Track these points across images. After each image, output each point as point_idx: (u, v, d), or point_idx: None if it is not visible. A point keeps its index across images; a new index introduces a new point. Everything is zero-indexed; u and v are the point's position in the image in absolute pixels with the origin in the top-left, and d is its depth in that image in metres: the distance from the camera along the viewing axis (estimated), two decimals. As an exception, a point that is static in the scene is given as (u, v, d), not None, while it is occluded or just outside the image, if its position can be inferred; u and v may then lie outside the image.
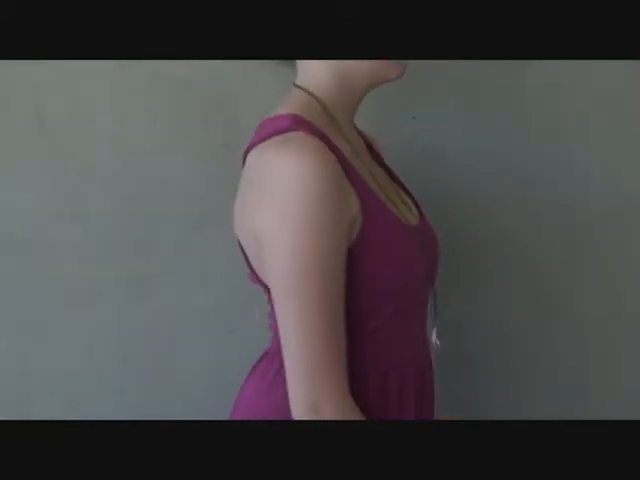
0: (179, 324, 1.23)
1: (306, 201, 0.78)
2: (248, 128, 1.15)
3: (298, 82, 0.93)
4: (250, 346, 1.21)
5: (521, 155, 1.26)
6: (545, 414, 1.31)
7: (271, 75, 1.13)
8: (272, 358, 0.93)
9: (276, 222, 0.80)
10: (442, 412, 1.04)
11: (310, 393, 0.79)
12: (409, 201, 1.01)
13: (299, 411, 0.80)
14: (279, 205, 0.79)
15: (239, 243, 0.95)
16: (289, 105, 0.89)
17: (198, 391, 1.25)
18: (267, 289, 0.90)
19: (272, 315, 0.94)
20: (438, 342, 1.00)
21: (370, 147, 1.03)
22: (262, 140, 0.85)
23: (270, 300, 0.92)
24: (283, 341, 0.81)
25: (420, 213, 1.00)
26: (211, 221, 1.21)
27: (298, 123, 0.84)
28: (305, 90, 0.91)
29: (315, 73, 0.91)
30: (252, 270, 0.93)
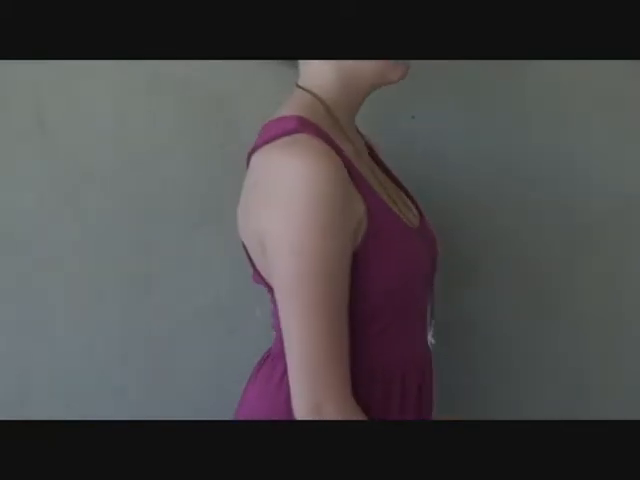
0: (179, 324, 1.23)
1: (311, 203, 0.78)
2: (248, 128, 1.15)
3: (300, 83, 0.93)
4: (250, 346, 1.21)
5: (521, 155, 1.26)
6: (545, 414, 1.31)
7: (271, 75, 1.13)
8: (277, 359, 0.92)
9: (281, 224, 0.79)
10: (442, 412, 1.04)
11: (312, 395, 0.79)
12: (409, 202, 1.01)
13: (301, 412, 0.80)
14: (284, 207, 0.79)
15: (243, 244, 0.95)
16: (293, 107, 0.89)
17: (198, 391, 1.25)
18: (271, 289, 0.91)
19: (276, 315, 0.94)
20: (433, 341, 1.01)
21: (370, 148, 1.03)
22: (267, 142, 0.85)
23: (273, 300, 0.92)
24: (286, 342, 0.82)
25: (420, 214, 1.00)
26: (211, 221, 1.21)
27: (303, 125, 0.84)
28: (309, 91, 0.91)
29: (318, 74, 0.91)
30: (256, 270, 0.93)
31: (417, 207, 1.02)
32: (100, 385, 1.23)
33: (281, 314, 0.82)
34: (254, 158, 0.88)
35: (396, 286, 0.87)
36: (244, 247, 0.95)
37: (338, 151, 0.83)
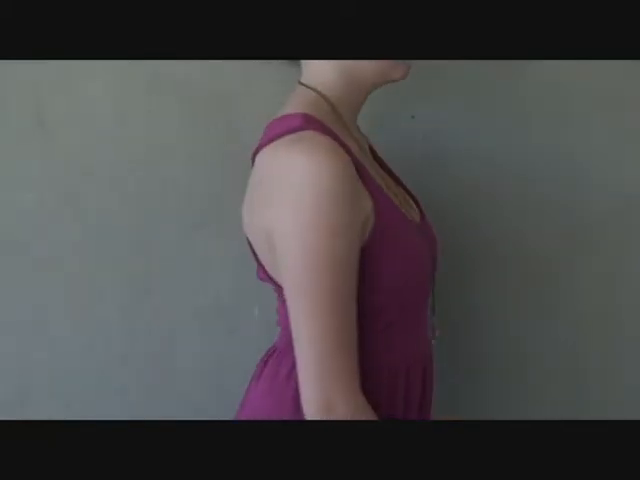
0: (179, 324, 1.23)
1: (320, 199, 0.78)
2: (248, 128, 1.16)
3: (303, 80, 0.93)
4: (250, 346, 1.21)
5: (521, 155, 1.26)
6: (544, 414, 1.31)
7: (272, 75, 1.13)
8: (282, 356, 0.92)
9: (290, 221, 0.79)
10: (442, 412, 1.04)
11: (323, 391, 0.79)
12: (410, 200, 1.01)
13: (312, 409, 0.80)
14: (293, 204, 0.79)
15: (248, 241, 0.95)
16: (297, 104, 0.89)
17: (198, 391, 1.25)
18: (277, 286, 0.91)
19: (281, 312, 0.94)
20: (434, 340, 1.01)
21: (370, 147, 1.03)
22: (272, 140, 0.85)
23: (280, 297, 0.92)
24: (296, 338, 0.81)
25: (420, 212, 1.01)
26: (211, 221, 1.21)
27: (309, 122, 0.84)
28: (312, 89, 0.91)
29: (321, 71, 0.91)
30: (261, 267, 0.93)
31: (418, 205, 1.02)
32: (100, 385, 1.23)
33: (290, 310, 0.82)
34: (259, 156, 0.88)
35: (401, 282, 0.88)
36: (249, 244, 0.95)
37: (344, 148, 0.83)
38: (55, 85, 1.15)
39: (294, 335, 0.82)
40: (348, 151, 0.83)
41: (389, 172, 1.04)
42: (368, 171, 0.87)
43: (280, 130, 0.85)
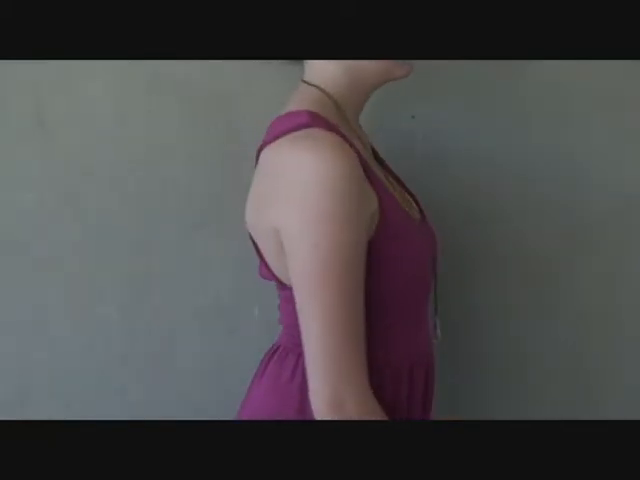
0: (179, 324, 1.23)
1: (329, 196, 0.78)
2: (248, 128, 1.16)
3: (306, 78, 0.93)
4: (250, 346, 1.21)
5: (521, 155, 1.26)
6: (545, 414, 1.31)
7: (272, 75, 1.13)
8: (285, 354, 0.92)
9: (298, 217, 0.79)
10: (442, 412, 1.04)
11: (334, 388, 0.79)
12: (411, 200, 1.01)
13: (322, 406, 0.79)
14: (300, 201, 0.79)
15: (251, 238, 0.95)
16: (301, 102, 0.89)
17: (198, 391, 1.25)
18: (279, 283, 0.91)
19: (283, 310, 0.94)
20: (438, 335, 1.01)
21: (372, 147, 1.03)
22: (277, 137, 0.85)
23: (282, 294, 0.92)
24: (305, 335, 0.81)
25: (421, 212, 1.01)
26: (211, 221, 1.21)
27: (315, 119, 0.84)
28: (316, 87, 0.91)
29: (325, 69, 0.91)
30: (264, 265, 0.92)
31: (418, 205, 1.02)
32: (100, 385, 1.23)
33: (299, 307, 0.82)
34: (264, 153, 0.88)
35: (404, 281, 0.88)
36: (252, 241, 0.94)
37: (350, 145, 0.83)
38: (55, 85, 1.15)
39: (303, 332, 0.81)
40: (354, 148, 0.83)
41: (389, 172, 1.04)
42: (373, 169, 0.87)
43: (285, 127, 0.85)
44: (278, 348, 0.95)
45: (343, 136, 0.84)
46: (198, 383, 1.25)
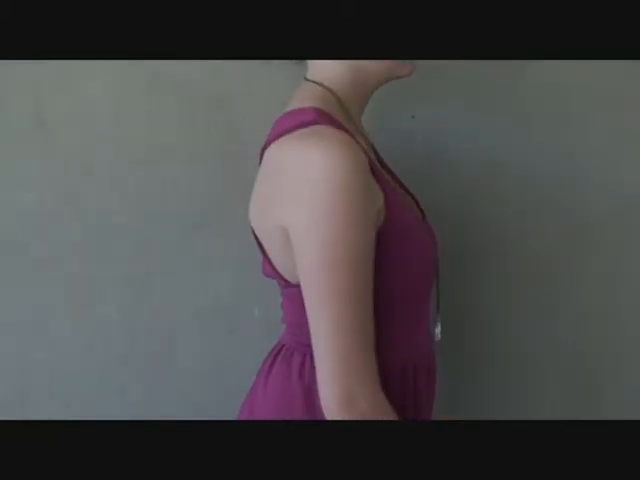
0: (179, 324, 1.23)
1: (337, 192, 0.78)
2: (248, 128, 1.16)
3: (309, 76, 0.93)
4: (250, 346, 1.22)
5: (521, 155, 1.26)
6: (545, 414, 1.31)
7: (271, 75, 1.14)
8: (290, 354, 0.92)
9: (307, 214, 0.79)
10: (442, 412, 1.04)
11: (344, 386, 0.78)
12: (411, 200, 1.01)
13: (333, 405, 0.79)
14: (310, 197, 0.79)
15: (255, 236, 0.94)
16: (305, 99, 0.89)
17: (198, 391, 1.25)
18: (284, 281, 0.90)
19: (286, 309, 0.94)
20: (439, 336, 1.01)
21: (373, 146, 1.03)
22: (282, 134, 0.84)
23: (285, 293, 0.92)
24: (314, 334, 0.81)
25: (421, 212, 1.01)
26: (211, 221, 1.21)
27: (321, 116, 0.84)
28: (320, 84, 0.91)
29: (328, 67, 0.91)
30: (268, 263, 0.92)
31: (418, 205, 1.02)
32: (100, 385, 1.23)
33: (308, 305, 0.81)
34: (268, 152, 0.88)
35: (409, 279, 0.88)
36: (256, 239, 0.94)
37: (356, 142, 0.83)
38: (55, 85, 1.15)
39: (312, 330, 0.81)
40: (359, 146, 0.83)
41: (389, 171, 1.04)
42: (378, 167, 0.87)
43: (291, 124, 0.84)
44: (282, 348, 0.95)
45: (349, 133, 0.84)
46: (198, 383, 1.25)
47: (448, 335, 1.08)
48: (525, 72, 1.23)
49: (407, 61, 0.91)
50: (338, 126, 0.84)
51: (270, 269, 0.92)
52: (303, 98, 0.89)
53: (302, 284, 0.82)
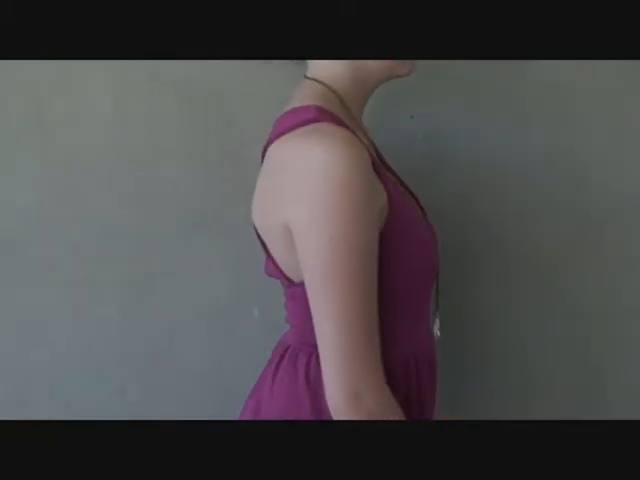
0: (179, 324, 1.23)
1: (339, 190, 0.77)
2: (248, 128, 1.16)
3: (309, 74, 0.93)
4: (250, 346, 1.22)
5: (521, 155, 1.26)
6: (545, 414, 1.31)
7: (271, 75, 1.13)
8: (296, 354, 0.92)
9: (311, 211, 0.79)
10: (442, 411, 1.04)
11: (350, 382, 0.78)
12: (412, 198, 1.01)
13: (340, 401, 0.79)
14: (314, 194, 0.78)
15: (257, 235, 0.94)
16: (305, 97, 0.89)
17: (198, 391, 1.25)
18: (287, 280, 0.90)
19: (291, 308, 0.93)
20: (439, 333, 1.01)
21: (374, 144, 1.03)
22: (284, 133, 0.84)
23: (289, 292, 0.92)
24: (318, 332, 0.81)
25: (422, 211, 1.01)
26: (211, 221, 1.21)
27: (322, 114, 0.84)
28: (320, 82, 0.91)
29: (328, 64, 0.91)
30: (271, 261, 0.92)
31: (419, 204, 1.02)
32: (100, 385, 1.23)
33: (312, 303, 0.81)
34: (270, 150, 0.87)
35: (410, 276, 0.88)
36: (258, 237, 0.94)
37: (358, 140, 0.83)
38: (55, 85, 1.15)
39: (317, 327, 0.81)
40: (361, 143, 0.83)
41: (390, 170, 1.04)
42: (379, 164, 0.87)
43: (292, 123, 0.84)
44: (288, 348, 0.94)
45: (350, 130, 0.84)
46: (198, 383, 1.25)
47: (448, 334, 1.08)
48: (525, 72, 1.23)
49: (407, 60, 0.91)
50: (339, 123, 0.84)
51: (273, 268, 0.92)
52: (304, 96, 0.89)
53: (306, 282, 0.82)
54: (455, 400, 1.27)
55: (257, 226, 0.94)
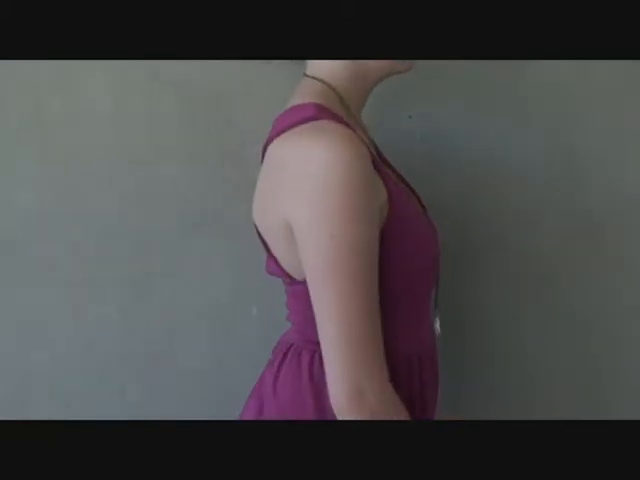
0: (179, 324, 1.23)
1: (341, 186, 0.77)
2: (248, 128, 1.16)
3: (309, 72, 0.93)
4: (250, 346, 1.22)
5: (521, 155, 1.26)
6: (545, 414, 1.31)
7: (271, 75, 1.13)
8: (299, 353, 0.91)
9: (311, 209, 0.79)
10: (442, 411, 1.04)
11: (353, 380, 0.78)
12: (413, 196, 1.01)
13: (343, 399, 0.79)
14: (314, 192, 0.78)
15: (258, 234, 0.94)
16: (305, 95, 0.89)
17: (198, 391, 1.25)
18: (289, 278, 0.90)
19: (292, 307, 0.93)
20: (439, 330, 1.02)
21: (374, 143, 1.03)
22: (284, 131, 0.84)
23: (291, 290, 0.92)
24: (321, 330, 0.81)
25: (423, 209, 1.01)
26: (211, 221, 1.21)
27: (322, 111, 0.84)
28: (320, 80, 0.91)
29: (327, 63, 0.91)
30: (273, 260, 0.92)
31: (420, 202, 1.02)
32: (100, 385, 1.23)
33: (314, 300, 0.81)
34: (270, 148, 0.88)
35: (412, 274, 0.88)
36: (259, 236, 0.94)
37: (358, 136, 0.83)
38: (54, 85, 1.15)
39: (319, 327, 0.81)
40: (361, 140, 0.83)
41: (390, 167, 1.04)
42: (379, 162, 0.87)
43: (292, 121, 0.84)
44: (291, 347, 0.94)
45: (350, 127, 0.84)
46: (198, 383, 1.25)
47: (448, 334, 1.08)
48: (525, 72, 1.23)
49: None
50: (339, 121, 0.84)
51: (275, 266, 0.92)
52: (303, 94, 0.89)
53: (308, 280, 0.82)
54: (455, 400, 1.26)
55: (258, 225, 0.94)
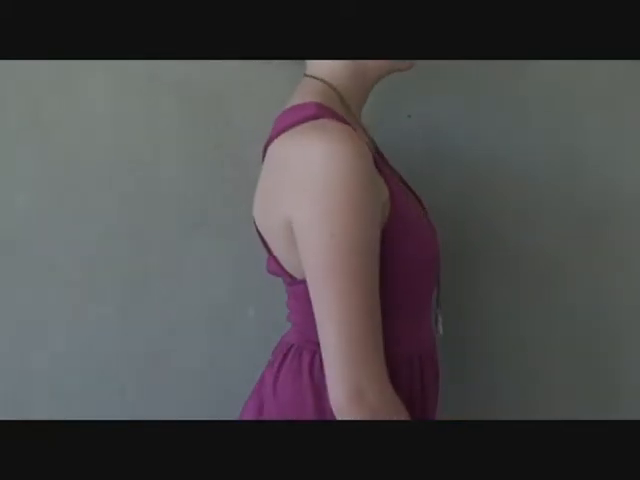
0: (179, 324, 1.23)
1: (342, 185, 0.77)
2: (248, 128, 1.16)
3: (309, 72, 0.93)
4: (250, 346, 1.22)
5: (521, 155, 1.26)
6: (545, 414, 1.31)
7: (271, 75, 1.13)
8: (299, 353, 0.91)
9: (313, 207, 0.79)
10: (443, 412, 1.04)
11: (353, 379, 0.78)
12: (413, 196, 1.01)
13: (342, 399, 0.79)
14: (315, 190, 0.78)
15: (259, 233, 0.94)
16: (305, 94, 0.89)
17: (198, 391, 1.25)
18: (290, 278, 0.90)
19: (293, 306, 0.93)
20: (441, 331, 1.02)
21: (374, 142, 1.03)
22: (285, 130, 0.84)
23: (291, 290, 0.92)
24: (321, 330, 0.80)
25: (423, 209, 1.01)
26: (211, 221, 1.21)
27: (322, 110, 0.84)
28: (320, 79, 0.91)
29: (327, 62, 0.91)
30: (273, 259, 0.92)
31: (420, 203, 1.02)
32: (100, 385, 1.23)
33: (314, 300, 0.81)
34: (271, 149, 0.87)
35: (412, 274, 0.88)
36: (260, 236, 0.94)
37: (358, 135, 0.83)
38: (54, 85, 1.15)
39: (319, 327, 0.81)
40: (362, 139, 0.83)
41: (391, 167, 1.04)
42: (380, 161, 0.87)
43: (292, 120, 0.84)
44: (291, 347, 0.94)
45: (351, 126, 0.84)
46: (197, 383, 1.25)
47: (448, 333, 1.08)
48: (525, 72, 1.23)
49: None
50: (340, 119, 0.84)
51: (275, 266, 0.92)
52: (304, 94, 0.89)
53: (308, 279, 0.82)
54: (455, 400, 1.26)
55: (258, 224, 0.94)
